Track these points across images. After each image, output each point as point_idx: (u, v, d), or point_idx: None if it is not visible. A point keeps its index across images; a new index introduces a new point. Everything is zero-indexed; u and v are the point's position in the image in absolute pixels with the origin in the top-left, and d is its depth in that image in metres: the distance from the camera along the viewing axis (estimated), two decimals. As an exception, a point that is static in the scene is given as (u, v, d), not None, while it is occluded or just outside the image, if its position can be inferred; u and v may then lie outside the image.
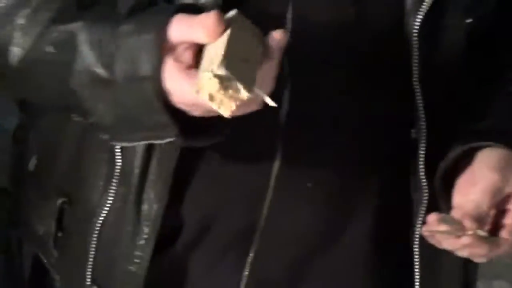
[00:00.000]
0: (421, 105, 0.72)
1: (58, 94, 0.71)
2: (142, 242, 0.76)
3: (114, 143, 0.74)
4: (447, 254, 0.74)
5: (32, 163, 0.91)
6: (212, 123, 0.60)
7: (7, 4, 0.69)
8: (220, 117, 0.55)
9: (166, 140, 0.65)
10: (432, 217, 0.68)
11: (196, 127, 0.61)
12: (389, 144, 0.76)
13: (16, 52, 0.69)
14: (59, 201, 0.84)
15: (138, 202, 0.76)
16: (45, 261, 0.89)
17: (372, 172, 0.78)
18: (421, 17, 0.69)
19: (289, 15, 0.68)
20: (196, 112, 0.59)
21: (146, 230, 0.76)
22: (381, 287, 0.83)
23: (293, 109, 0.70)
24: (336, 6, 0.70)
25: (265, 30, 0.59)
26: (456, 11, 0.73)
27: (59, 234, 0.84)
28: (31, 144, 0.93)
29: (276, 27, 0.60)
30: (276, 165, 0.72)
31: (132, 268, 0.78)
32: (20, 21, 0.68)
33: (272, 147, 0.72)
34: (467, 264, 0.86)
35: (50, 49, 0.67)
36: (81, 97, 0.66)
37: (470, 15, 0.74)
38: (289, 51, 0.61)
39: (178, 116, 0.59)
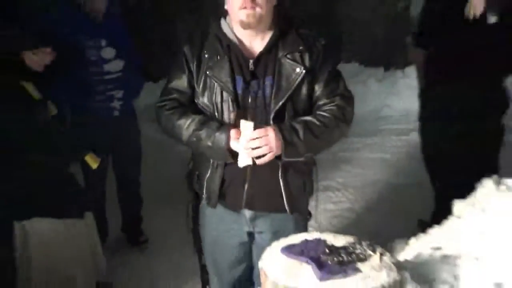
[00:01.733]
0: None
1: (196, 147, 2.10)
2: (219, 174, 2.09)
3: (212, 159, 2.09)
4: (295, 178, 2.12)
5: (192, 156, 2.31)
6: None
7: (179, 123, 2.08)
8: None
9: (225, 161, 2.04)
10: None
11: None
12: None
13: (183, 140, 2.09)
14: (196, 173, 2.21)
15: (216, 169, 2.10)
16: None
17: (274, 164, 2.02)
18: (274, 110, 2.00)
19: None
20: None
21: (219, 174, 2.09)
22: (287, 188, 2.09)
23: (253, 169, 2.02)
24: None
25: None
26: (294, 104, 2.03)
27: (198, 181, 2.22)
28: (192, 155, 2.31)
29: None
30: (250, 168, 2.01)
31: (218, 174, 2.09)
32: (181, 136, 2.08)
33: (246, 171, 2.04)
34: (308, 183, 2.23)
35: (193, 139, 2.04)
36: (206, 154, 2.09)
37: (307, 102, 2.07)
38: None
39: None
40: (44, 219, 2.70)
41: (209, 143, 1.98)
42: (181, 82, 2.10)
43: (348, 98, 2.09)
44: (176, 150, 2.68)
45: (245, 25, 1.98)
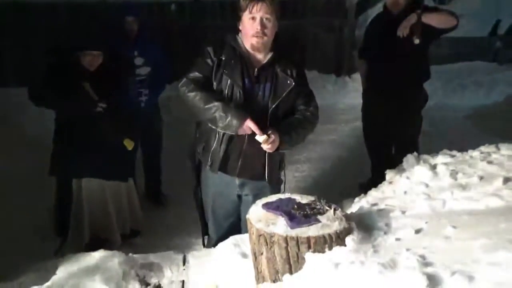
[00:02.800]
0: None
1: (210, 119, 1.97)
2: (223, 148, 2.05)
3: (220, 130, 1.99)
4: (275, 155, 2.09)
5: (198, 133, 2.21)
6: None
7: (198, 97, 1.98)
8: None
9: (232, 132, 1.95)
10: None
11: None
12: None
13: (200, 106, 1.96)
14: (202, 145, 2.14)
15: (220, 144, 2.05)
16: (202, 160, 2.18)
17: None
18: (272, 108, 2.01)
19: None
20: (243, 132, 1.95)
21: (223, 148, 2.05)
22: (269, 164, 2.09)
23: (249, 140, 1.99)
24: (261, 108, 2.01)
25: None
26: (284, 105, 2.05)
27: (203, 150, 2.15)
28: (199, 132, 2.22)
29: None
30: (245, 141, 2.00)
31: (222, 148, 2.04)
32: (200, 103, 1.97)
33: (243, 142, 2.01)
34: (282, 160, 2.24)
35: (212, 105, 1.94)
36: (216, 121, 1.94)
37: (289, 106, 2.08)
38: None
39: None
40: (94, 179, 2.80)
41: (222, 113, 1.91)
42: (204, 70, 2.03)
43: (317, 109, 2.14)
44: (186, 131, 2.60)
45: (254, 48, 2.00)
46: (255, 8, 1.94)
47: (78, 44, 2.72)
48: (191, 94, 1.98)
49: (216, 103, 1.93)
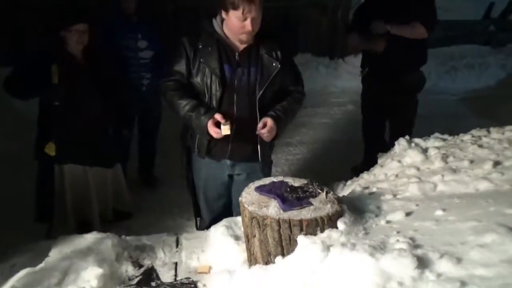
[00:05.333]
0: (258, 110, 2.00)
1: (187, 122, 2.04)
2: (206, 138, 2.03)
3: (197, 133, 2.06)
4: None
5: (182, 126, 2.23)
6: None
7: (179, 102, 2.01)
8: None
9: (206, 137, 1.99)
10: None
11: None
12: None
13: (180, 115, 2.02)
14: (190, 132, 2.16)
15: (203, 134, 2.02)
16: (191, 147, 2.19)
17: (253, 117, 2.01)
18: (259, 94, 2.00)
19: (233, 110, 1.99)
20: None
21: (206, 138, 2.04)
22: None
23: (237, 125, 1.98)
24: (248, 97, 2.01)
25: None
26: (271, 89, 2.03)
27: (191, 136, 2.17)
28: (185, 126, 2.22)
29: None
30: (233, 127, 1.94)
31: (205, 139, 2.04)
32: (178, 112, 2.05)
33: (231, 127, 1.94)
34: (272, 143, 2.20)
35: (186, 116, 1.98)
36: (192, 124, 2.01)
37: (277, 88, 2.06)
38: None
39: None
40: (77, 166, 2.75)
41: (197, 122, 1.96)
42: (181, 66, 2.03)
43: (303, 85, 2.18)
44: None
45: (242, 42, 1.98)
46: (247, 10, 1.88)
47: (63, 20, 2.51)
48: (171, 102, 2.04)
49: (188, 114, 1.99)
